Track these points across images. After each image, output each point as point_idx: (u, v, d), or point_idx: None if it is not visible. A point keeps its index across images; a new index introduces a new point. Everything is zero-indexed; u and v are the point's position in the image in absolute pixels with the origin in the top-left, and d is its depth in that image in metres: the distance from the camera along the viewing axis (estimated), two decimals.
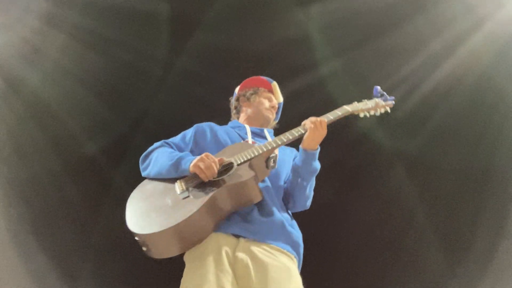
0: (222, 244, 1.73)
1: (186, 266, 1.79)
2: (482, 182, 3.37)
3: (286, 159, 2.09)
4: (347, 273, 3.46)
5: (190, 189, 1.76)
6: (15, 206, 3.32)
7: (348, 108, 2.01)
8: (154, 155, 1.95)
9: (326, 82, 3.59)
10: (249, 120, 2.24)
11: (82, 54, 3.51)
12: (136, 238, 1.70)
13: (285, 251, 1.81)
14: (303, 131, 1.89)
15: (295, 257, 1.86)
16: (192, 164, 1.78)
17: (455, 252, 3.34)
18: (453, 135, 3.47)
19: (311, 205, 2.05)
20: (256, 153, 1.81)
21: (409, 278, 3.37)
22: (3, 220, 3.25)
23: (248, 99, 2.28)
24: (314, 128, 1.87)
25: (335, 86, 3.56)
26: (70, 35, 3.46)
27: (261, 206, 1.83)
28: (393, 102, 2.08)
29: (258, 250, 1.75)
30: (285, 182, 2.04)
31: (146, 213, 1.73)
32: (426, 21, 3.44)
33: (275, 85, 2.34)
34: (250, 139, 2.05)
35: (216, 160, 1.79)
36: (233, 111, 2.37)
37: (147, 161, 1.96)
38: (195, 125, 2.13)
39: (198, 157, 1.79)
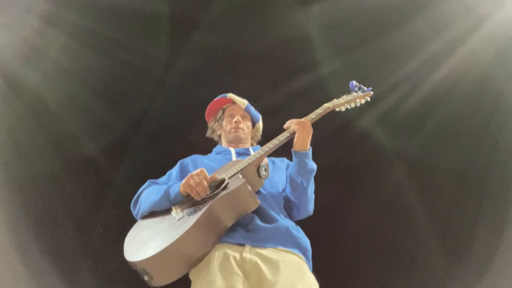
0: (228, 251, 1.71)
1: (192, 281, 1.75)
2: (482, 182, 3.37)
3: (277, 170, 2.09)
4: (347, 273, 3.46)
5: (186, 210, 1.76)
6: (15, 206, 3.32)
7: (328, 105, 2.07)
8: (142, 197, 1.96)
9: (326, 82, 3.59)
10: (228, 143, 2.27)
11: (82, 54, 3.51)
12: (136, 268, 1.68)
13: (293, 251, 1.79)
14: (288, 134, 1.91)
15: (304, 261, 1.83)
16: (182, 184, 1.79)
17: (455, 252, 3.34)
18: (453, 135, 3.46)
19: None
20: (246, 164, 1.83)
21: (409, 278, 3.37)
22: (3, 220, 3.25)
23: (220, 125, 2.33)
24: (301, 128, 1.88)
25: (335, 86, 3.56)
26: (70, 35, 3.46)
27: (262, 214, 1.82)
28: (371, 92, 2.12)
29: (266, 251, 1.73)
30: (283, 191, 2.03)
31: (143, 242, 1.73)
32: (426, 21, 3.43)
33: (231, 95, 2.33)
34: (234, 157, 2.08)
35: (207, 175, 1.80)
36: (216, 139, 2.40)
37: (138, 205, 1.96)
38: (179, 162, 2.15)
39: (188, 175, 1.80)
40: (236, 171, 1.81)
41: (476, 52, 3.39)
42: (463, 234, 3.34)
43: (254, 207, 1.77)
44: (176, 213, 1.78)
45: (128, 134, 3.72)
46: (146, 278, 1.68)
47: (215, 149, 2.30)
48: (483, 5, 3.33)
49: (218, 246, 1.73)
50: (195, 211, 1.71)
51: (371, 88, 2.13)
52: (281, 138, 1.91)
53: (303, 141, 1.90)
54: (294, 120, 1.92)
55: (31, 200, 3.37)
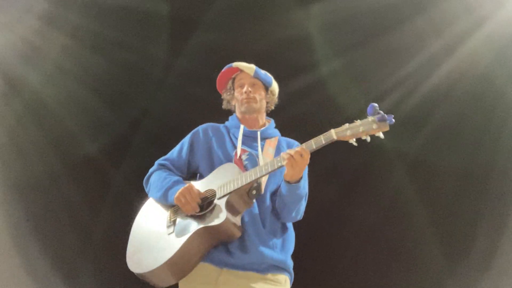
0: (205, 275, 1.83)
1: None
2: (482, 182, 3.37)
3: (277, 174, 2.04)
4: (347, 273, 3.46)
5: (177, 221, 1.87)
6: (15, 206, 3.32)
7: (334, 137, 1.81)
8: (151, 180, 2.09)
9: (326, 82, 3.59)
10: (241, 114, 2.23)
11: (82, 54, 3.51)
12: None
13: (268, 275, 1.86)
14: (283, 163, 1.79)
15: (284, 274, 1.90)
16: (175, 197, 1.88)
17: (455, 252, 3.34)
18: (453, 136, 3.46)
19: (311, 206, 2.05)
20: (236, 187, 1.83)
21: (409, 278, 3.37)
22: (3, 220, 3.25)
23: (232, 95, 2.28)
24: (291, 164, 1.76)
25: (335, 86, 3.56)
26: (70, 35, 3.46)
27: (242, 239, 1.86)
28: (392, 120, 1.77)
29: (239, 280, 1.82)
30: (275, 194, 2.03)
31: (139, 251, 1.88)
32: (426, 21, 3.44)
33: (237, 64, 2.27)
34: (239, 148, 2.05)
35: (197, 195, 1.86)
36: (233, 109, 2.35)
37: (148, 186, 2.10)
38: (192, 132, 2.19)
39: (181, 190, 1.87)
40: (226, 192, 1.83)
41: (476, 52, 3.39)
42: (463, 234, 3.34)
43: (238, 236, 1.84)
44: (168, 221, 1.90)
45: (128, 134, 3.72)
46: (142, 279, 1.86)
47: (230, 118, 2.28)
48: (483, 5, 3.33)
49: (200, 266, 1.83)
50: (182, 232, 1.81)
51: (392, 116, 1.76)
52: (275, 165, 1.80)
53: (294, 174, 1.80)
54: (291, 151, 1.76)
55: (31, 200, 3.37)
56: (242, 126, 2.15)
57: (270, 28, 3.61)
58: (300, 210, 1.98)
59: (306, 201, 2.01)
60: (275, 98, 2.32)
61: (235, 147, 2.08)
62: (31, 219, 3.33)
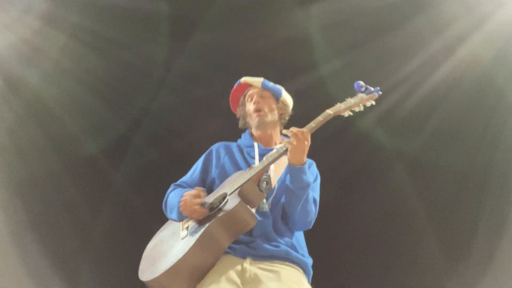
0: (229, 263, 1.78)
1: None
2: (482, 182, 3.37)
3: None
4: (347, 273, 3.46)
5: (190, 226, 1.83)
6: (15, 206, 3.32)
7: (329, 112, 1.90)
8: (167, 202, 2.06)
9: (326, 82, 3.59)
10: (255, 130, 2.21)
11: (82, 54, 3.51)
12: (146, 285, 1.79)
13: (294, 266, 1.83)
14: (287, 146, 1.81)
15: (303, 272, 1.87)
16: (182, 209, 1.87)
17: (455, 252, 3.34)
18: (453, 135, 3.47)
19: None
20: (246, 179, 1.82)
21: (409, 278, 3.38)
22: (3, 220, 3.25)
23: (245, 112, 2.26)
24: (293, 143, 1.78)
25: (335, 86, 3.56)
26: (70, 35, 3.46)
27: (264, 235, 1.85)
28: (379, 92, 1.93)
29: (266, 264, 1.79)
30: None
31: (152, 260, 1.83)
32: (426, 21, 3.44)
33: (245, 79, 2.27)
34: (257, 163, 2.01)
35: (197, 193, 1.86)
36: (249, 127, 2.31)
37: (167, 208, 2.07)
38: (205, 153, 2.18)
39: (188, 197, 1.86)
40: (236, 187, 1.82)
41: (476, 52, 3.39)
42: (463, 234, 3.35)
43: (252, 224, 1.79)
44: (182, 229, 1.87)
45: (128, 134, 3.72)
46: None
47: (243, 136, 2.26)
48: (483, 5, 3.33)
49: (222, 257, 1.79)
50: (195, 232, 1.78)
51: (378, 88, 1.94)
52: (280, 151, 1.83)
53: (298, 155, 1.80)
54: (293, 129, 1.80)
55: (31, 200, 3.37)
56: (256, 144, 2.13)
57: (270, 28, 3.61)
58: (308, 205, 1.92)
59: (316, 209, 1.99)
60: (289, 110, 2.31)
61: (248, 165, 2.04)
62: (31, 219, 3.33)
